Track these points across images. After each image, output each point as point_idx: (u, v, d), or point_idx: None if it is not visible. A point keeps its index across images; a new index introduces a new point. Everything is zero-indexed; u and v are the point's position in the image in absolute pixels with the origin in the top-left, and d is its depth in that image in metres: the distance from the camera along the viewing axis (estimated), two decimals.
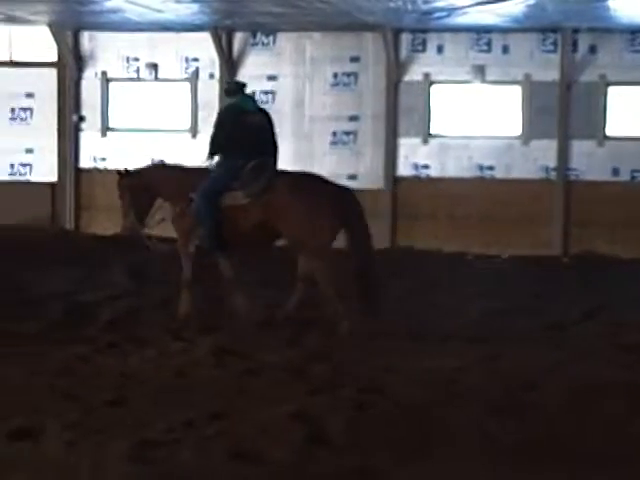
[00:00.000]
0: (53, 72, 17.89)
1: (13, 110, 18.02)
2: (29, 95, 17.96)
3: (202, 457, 5.97)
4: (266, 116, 10.53)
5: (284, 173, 10.24)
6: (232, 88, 10.68)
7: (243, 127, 10.13)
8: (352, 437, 6.27)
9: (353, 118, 17.39)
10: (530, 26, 16.27)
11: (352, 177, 17.28)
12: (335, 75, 17.45)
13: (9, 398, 7.24)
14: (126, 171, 10.86)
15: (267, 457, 5.94)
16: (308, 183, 10.05)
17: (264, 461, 5.89)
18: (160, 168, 11.18)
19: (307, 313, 10.46)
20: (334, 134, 17.47)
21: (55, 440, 6.28)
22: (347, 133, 17.43)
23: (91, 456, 5.97)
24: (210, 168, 10.39)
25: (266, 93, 17.47)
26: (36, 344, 9.12)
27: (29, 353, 8.72)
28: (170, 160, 17.13)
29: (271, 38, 17.48)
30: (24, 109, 18.01)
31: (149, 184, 10.70)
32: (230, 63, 17.43)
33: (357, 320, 9.74)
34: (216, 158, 10.42)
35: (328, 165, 17.24)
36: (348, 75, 17.43)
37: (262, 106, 11.23)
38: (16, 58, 17.95)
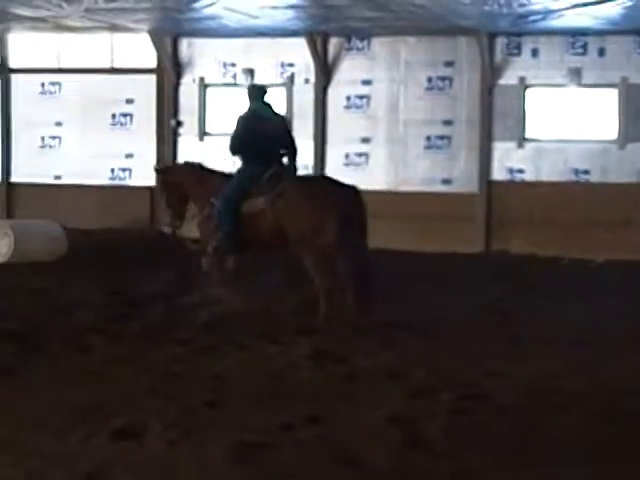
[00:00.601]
0: (152, 78, 18.22)
1: (114, 116, 18.41)
2: (129, 101, 18.33)
3: (300, 460, 6.02)
4: (283, 122, 10.90)
5: (298, 178, 10.63)
6: (252, 93, 10.86)
7: (259, 134, 10.41)
8: (450, 442, 6.27)
9: (447, 122, 17.38)
10: (627, 28, 16.08)
11: (446, 181, 17.29)
12: (429, 79, 17.45)
13: (114, 397, 7.39)
14: (161, 168, 11.09)
15: (365, 461, 5.96)
16: (314, 187, 10.43)
17: (362, 465, 5.92)
18: (188, 168, 11.30)
19: (402, 317, 10.55)
20: (428, 138, 17.48)
21: (157, 439, 6.38)
22: (441, 137, 17.42)
23: (192, 456, 6.06)
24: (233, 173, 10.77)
25: (360, 97, 17.56)
26: (137, 344, 9.31)
27: (131, 353, 8.91)
28: None
29: (366, 43, 17.56)
30: (124, 115, 18.39)
31: (179, 183, 11.03)
32: (325, 68, 17.55)
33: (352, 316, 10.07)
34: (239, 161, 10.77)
35: (422, 169, 17.28)
36: (442, 79, 17.42)
37: (281, 112, 11.58)
38: (117, 65, 18.34)
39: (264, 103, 10.78)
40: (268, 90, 10.91)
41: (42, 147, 18.79)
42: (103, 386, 7.75)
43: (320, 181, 10.72)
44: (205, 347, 9.24)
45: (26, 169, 18.79)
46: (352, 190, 10.30)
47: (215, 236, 10.65)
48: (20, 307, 11.04)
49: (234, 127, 10.70)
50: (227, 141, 10.59)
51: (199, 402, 7.29)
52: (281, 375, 8.24)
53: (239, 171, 10.67)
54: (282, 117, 11.03)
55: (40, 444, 6.27)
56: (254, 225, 10.33)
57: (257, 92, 10.83)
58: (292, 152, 10.74)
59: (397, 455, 6.05)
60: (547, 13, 14.88)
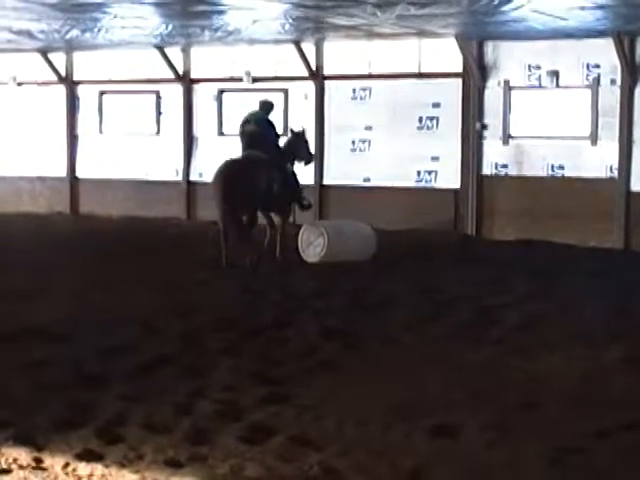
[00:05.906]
0: (458, 82, 18.42)
1: (421, 119, 18.78)
2: (435, 105, 18.65)
3: (618, 467, 6.04)
4: (260, 125, 14.81)
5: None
6: (258, 104, 15.20)
7: (242, 132, 14.96)
8: None
9: None
10: None
11: None
12: None
13: (429, 395, 7.64)
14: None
15: None
16: (221, 173, 14.34)
17: None
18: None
19: None
20: None
21: (473, 439, 6.55)
22: None
23: (507, 458, 6.17)
24: None
25: None
26: (450, 344, 9.51)
27: (444, 353, 9.12)
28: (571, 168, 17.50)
29: None
30: (430, 118, 18.73)
31: None
32: (632, 68, 17.19)
33: None
34: None
35: None
36: None
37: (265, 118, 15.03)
38: (424, 70, 18.73)
39: (255, 111, 15.04)
40: (272, 104, 15.27)
41: (353, 150, 19.45)
42: (418, 384, 7.97)
43: (227, 170, 14.38)
44: (517, 348, 9.31)
45: (338, 171, 19.54)
46: (231, 168, 14.35)
47: None
48: (335, 305, 11.55)
49: None
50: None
51: (514, 403, 7.40)
52: (593, 379, 8.20)
53: None
54: (261, 121, 14.87)
55: (365, 437, 6.60)
56: None
57: (259, 104, 15.15)
58: (266, 144, 14.68)
59: None
60: None
